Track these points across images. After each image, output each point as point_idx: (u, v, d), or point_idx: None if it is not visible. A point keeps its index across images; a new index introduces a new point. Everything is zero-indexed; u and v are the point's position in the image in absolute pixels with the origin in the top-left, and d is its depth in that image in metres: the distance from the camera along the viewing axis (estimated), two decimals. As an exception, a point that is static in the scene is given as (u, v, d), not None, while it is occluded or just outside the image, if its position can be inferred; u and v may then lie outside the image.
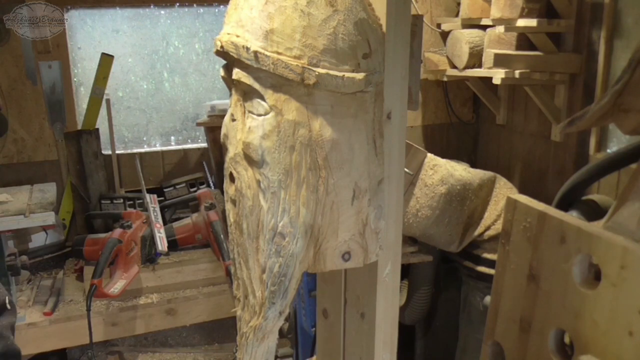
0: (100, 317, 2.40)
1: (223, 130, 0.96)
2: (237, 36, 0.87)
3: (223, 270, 2.55)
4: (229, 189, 0.96)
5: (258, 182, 0.89)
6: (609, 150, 2.50)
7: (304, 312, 2.44)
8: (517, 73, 2.52)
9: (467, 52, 2.77)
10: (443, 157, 2.45)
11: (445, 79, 3.03)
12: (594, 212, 1.72)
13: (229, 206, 0.96)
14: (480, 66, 2.75)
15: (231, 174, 0.94)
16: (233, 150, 0.92)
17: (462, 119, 3.37)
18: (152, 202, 2.81)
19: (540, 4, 2.51)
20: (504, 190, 2.44)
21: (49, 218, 2.34)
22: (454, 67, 2.94)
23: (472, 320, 2.53)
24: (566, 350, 1.37)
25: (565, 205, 1.76)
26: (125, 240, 2.52)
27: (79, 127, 2.99)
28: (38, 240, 2.84)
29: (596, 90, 2.49)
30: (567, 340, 1.38)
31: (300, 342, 2.63)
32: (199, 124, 3.05)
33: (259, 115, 0.88)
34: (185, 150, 3.26)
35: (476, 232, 2.40)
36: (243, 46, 0.86)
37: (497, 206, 2.40)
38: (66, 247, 2.92)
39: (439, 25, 3.11)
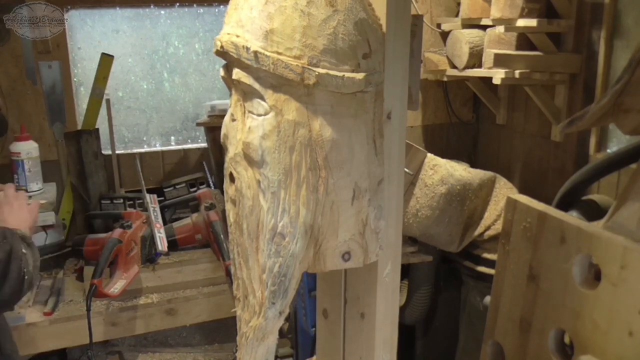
0: (100, 317, 2.40)
1: (223, 130, 0.96)
2: (237, 36, 0.87)
3: (223, 270, 2.55)
4: (229, 189, 0.96)
5: (258, 182, 0.89)
6: (609, 150, 2.50)
7: (304, 312, 2.44)
8: (517, 73, 2.52)
9: (467, 52, 2.77)
10: (443, 157, 2.45)
11: (445, 79, 3.03)
12: (594, 212, 1.73)
13: (229, 206, 0.97)
14: (480, 66, 2.75)
15: (231, 174, 0.94)
16: (233, 150, 0.92)
17: (462, 119, 3.37)
18: (152, 202, 2.80)
19: (540, 4, 2.51)
20: (504, 190, 2.44)
21: (49, 218, 2.33)
22: (454, 67, 2.94)
23: (472, 320, 2.53)
24: (566, 350, 1.38)
25: (565, 205, 1.76)
26: (125, 240, 2.52)
27: (79, 127, 2.98)
28: (38, 240, 2.81)
29: (596, 90, 2.49)
30: (567, 340, 1.38)
31: (300, 342, 2.63)
32: (199, 124, 3.05)
33: (259, 115, 0.88)
34: (185, 150, 3.26)
35: (476, 232, 2.40)
36: (243, 46, 0.86)
37: (497, 206, 2.40)
38: (66, 247, 2.90)
39: (439, 25, 3.10)
